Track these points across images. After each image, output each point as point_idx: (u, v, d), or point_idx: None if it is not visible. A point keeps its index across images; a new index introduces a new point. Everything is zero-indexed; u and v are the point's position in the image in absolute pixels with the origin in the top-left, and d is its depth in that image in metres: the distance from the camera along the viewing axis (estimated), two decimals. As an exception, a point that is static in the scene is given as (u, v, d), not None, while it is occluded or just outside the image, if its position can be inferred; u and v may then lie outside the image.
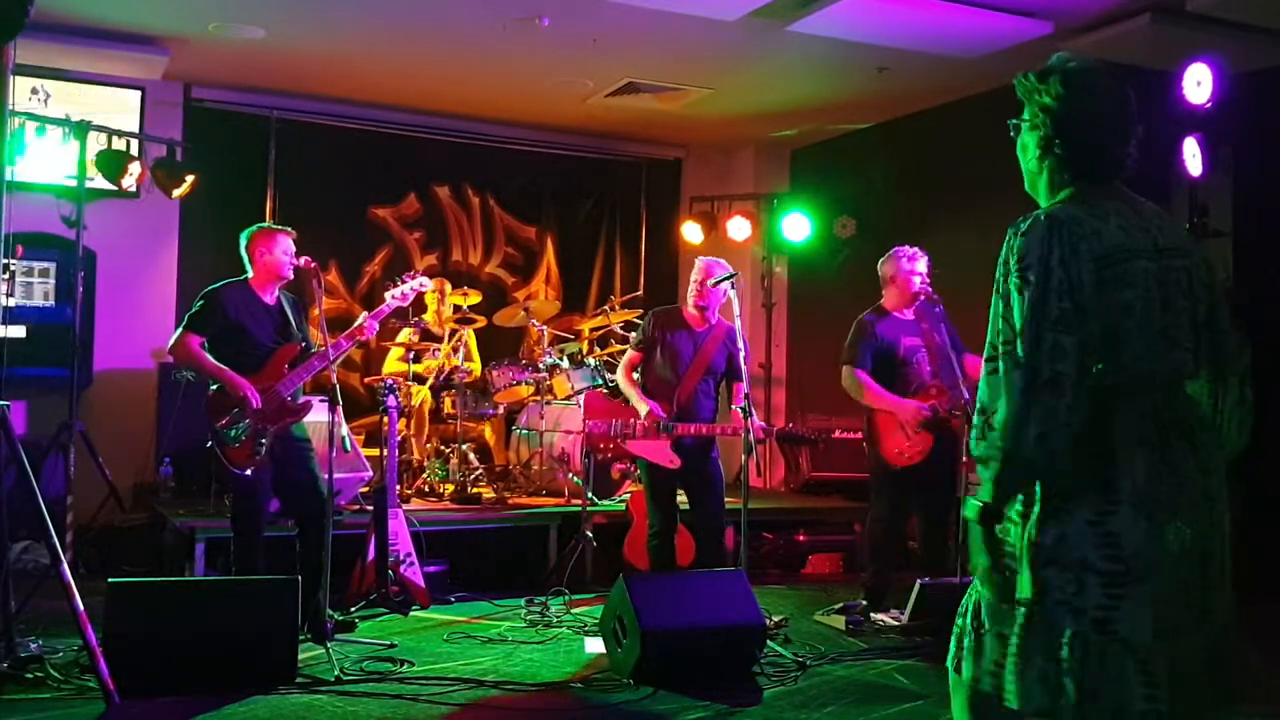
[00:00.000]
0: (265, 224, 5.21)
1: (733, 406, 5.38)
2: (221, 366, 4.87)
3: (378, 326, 5.21)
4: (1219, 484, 2.18)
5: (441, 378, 7.25)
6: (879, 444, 5.43)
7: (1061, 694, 2.03)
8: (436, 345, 7.18)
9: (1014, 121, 2.30)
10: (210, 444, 4.91)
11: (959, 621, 2.26)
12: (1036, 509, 2.11)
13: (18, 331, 6.64)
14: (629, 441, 5.42)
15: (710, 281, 5.40)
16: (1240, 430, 2.30)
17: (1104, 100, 2.22)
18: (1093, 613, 2.04)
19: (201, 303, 4.97)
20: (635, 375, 5.53)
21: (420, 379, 7.19)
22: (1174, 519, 2.07)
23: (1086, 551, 2.06)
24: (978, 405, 2.13)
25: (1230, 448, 2.29)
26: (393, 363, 7.33)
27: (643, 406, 5.35)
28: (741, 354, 5.26)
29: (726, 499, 5.55)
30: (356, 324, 5.16)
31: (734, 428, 5.33)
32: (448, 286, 7.74)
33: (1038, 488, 2.11)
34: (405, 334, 7.19)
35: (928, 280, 5.39)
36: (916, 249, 5.49)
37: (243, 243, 5.08)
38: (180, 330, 4.96)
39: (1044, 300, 2.05)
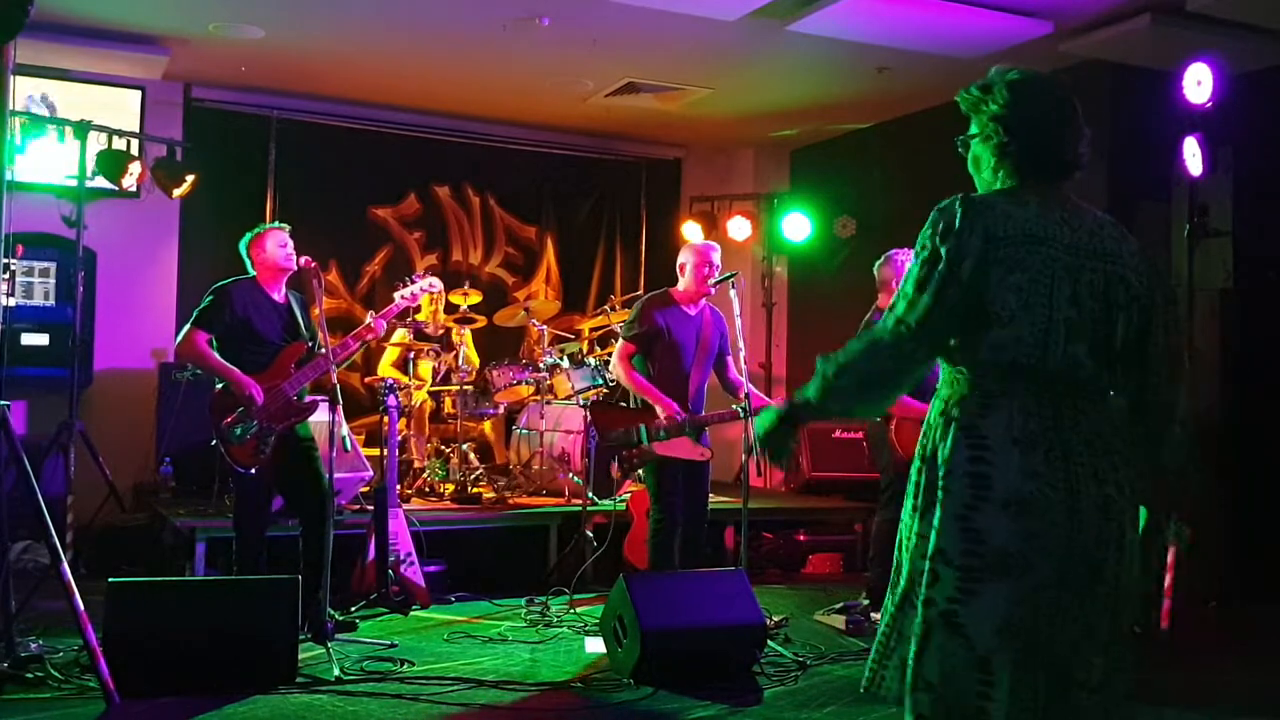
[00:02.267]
0: (257, 228, 5.19)
1: (736, 403, 5.32)
2: (227, 365, 4.87)
3: (385, 326, 5.20)
4: (1124, 499, 2.11)
5: (438, 378, 7.25)
6: (896, 445, 5.39)
7: (907, 681, 2.09)
8: (432, 346, 7.16)
9: (962, 138, 2.31)
10: (214, 442, 4.92)
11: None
12: (921, 499, 2.15)
13: (41, 339, 6.72)
14: (656, 445, 5.22)
15: (712, 282, 5.37)
16: (1178, 472, 2.24)
17: (1049, 103, 2.24)
18: (942, 605, 2.06)
19: (210, 298, 4.97)
20: (634, 368, 5.34)
21: (419, 382, 7.18)
22: (1055, 523, 2.05)
23: (948, 543, 2.07)
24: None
25: (1160, 473, 2.22)
26: (386, 366, 7.32)
27: (661, 409, 5.17)
28: (731, 327, 5.26)
29: (726, 499, 5.54)
30: (365, 323, 5.16)
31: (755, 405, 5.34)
32: (443, 286, 7.72)
33: (922, 478, 2.15)
34: (400, 335, 7.18)
35: None
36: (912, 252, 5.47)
37: (242, 250, 5.08)
38: (188, 327, 4.95)
39: (928, 266, 2.12)
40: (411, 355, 7.14)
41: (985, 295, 2.08)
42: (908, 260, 5.38)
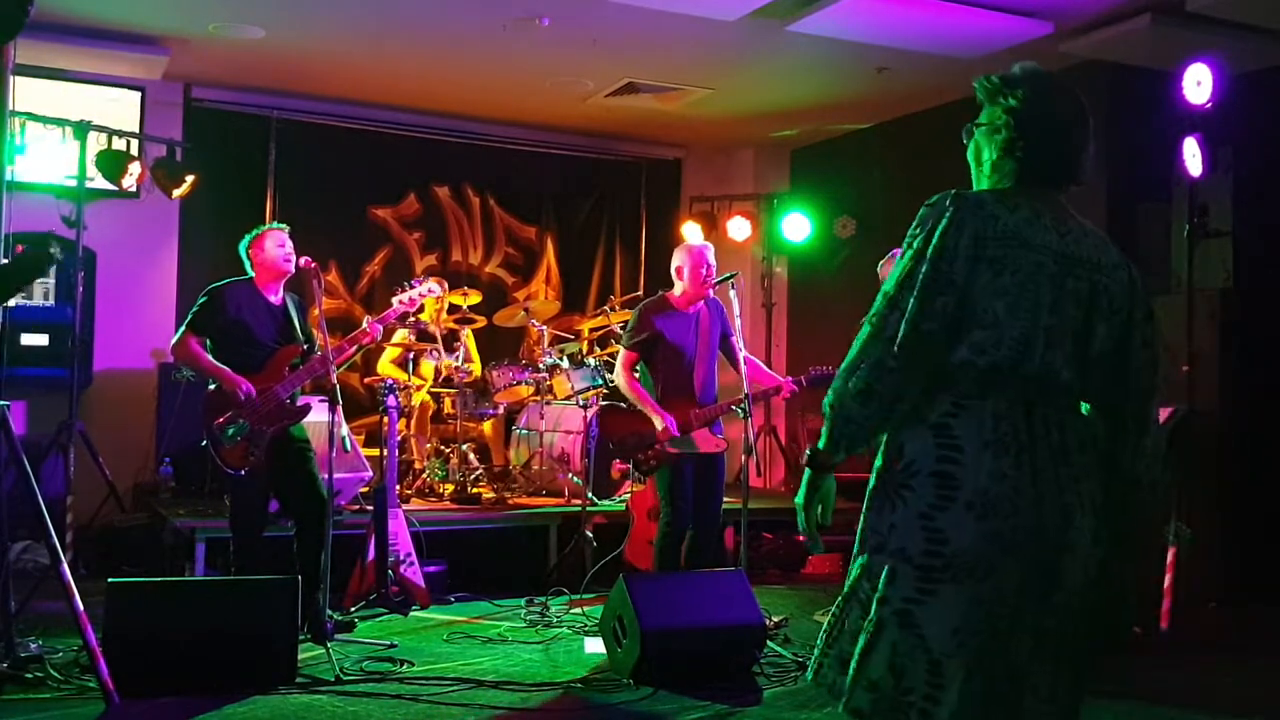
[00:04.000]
0: (258, 228, 5.18)
1: (737, 403, 5.30)
2: (218, 365, 4.86)
3: (381, 331, 5.19)
4: (1083, 510, 2.08)
5: (439, 379, 7.24)
6: None
7: (848, 677, 2.07)
8: (434, 347, 7.16)
9: (970, 126, 2.28)
10: (205, 443, 4.91)
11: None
12: (880, 495, 2.12)
13: (41, 339, 6.71)
14: (668, 445, 5.18)
15: (711, 283, 5.35)
16: (1150, 485, 2.19)
17: (1068, 109, 2.21)
18: (898, 604, 2.03)
19: (204, 300, 4.96)
20: (636, 375, 5.34)
21: (419, 382, 7.18)
22: (1019, 526, 2.02)
23: (908, 542, 2.04)
24: None
25: (1132, 486, 2.19)
26: (386, 365, 7.32)
27: (658, 421, 5.15)
28: (730, 318, 5.27)
29: (726, 499, 5.53)
30: (361, 328, 5.15)
31: (765, 385, 5.38)
32: (446, 287, 7.72)
33: (887, 474, 2.12)
34: (401, 335, 7.18)
35: None
36: None
37: (242, 251, 5.07)
38: (182, 330, 4.95)
39: (913, 264, 2.07)
40: (411, 355, 7.14)
41: (970, 295, 2.06)
42: None
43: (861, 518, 2.15)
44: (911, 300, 2.04)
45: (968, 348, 2.07)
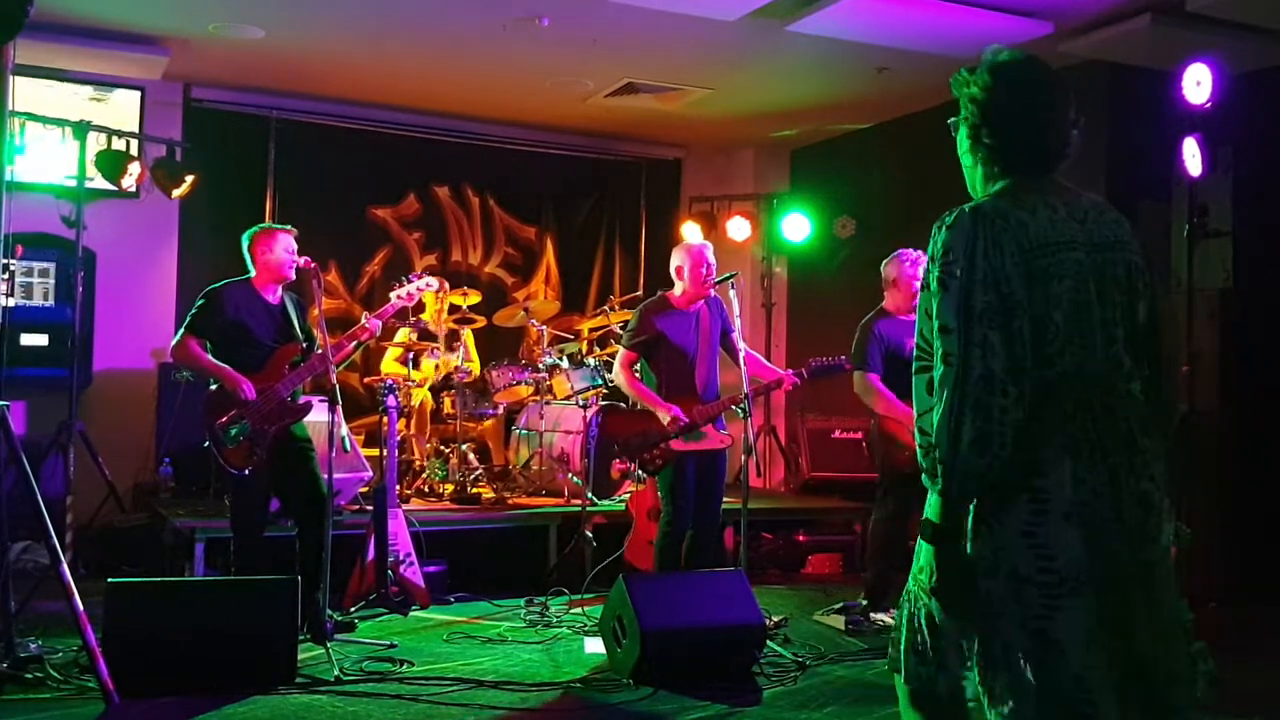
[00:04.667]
0: (266, 224, 5.20)
1: (736, 402, 5.30)
2: (219, 364, 4.86)
3: (380, 326, 5.19)
4: (1159, 492, 2.07)
5: (439, 379, 7.24)
6: (889, 448, 5.38)
7: (1012, 700, 2.01)
8: (435, 346, 7.16)
9: (952, 120, 2.27)
10: (207, 444, 4.91)
11: (902, 629, 2.19)
12: (970, 520, 2.04)
13: (40, 339, 6.72)
14: (672, 442, 5.19)
15: (711, 282, 5.35)
16: (1178, 456, 2.21)
17: (1031, 91, 2.16)
18: (1031, 623, 1.99)
19: (202, 302, 4.96)
20: (636, 374, 5.35)
21: (419, 383, 7.17)
22: (1115, 526, 2.01)
23: (1019, 562, 1.99)
24: (916, 415, 2.07)
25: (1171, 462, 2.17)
26: (390, 363, 7.33)
27: (663, 414, 5.15)
28: (731, 317, 5.30)
29: (726, 499, 5.53)
30: (360, 324, 5.16)
31: (766, 379, 5.40)
32: (446, 286, 7.73)
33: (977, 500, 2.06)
34: (403, 334, 7.18)
35: None
36: (920, 252, 5.46)
37: (244, 244, 5.07)
38: (181, 332, 4.95)
39: (969, 295, 1.99)
40: (412, 355, 7.14)
41: (1032, 311, 2.01)
42: (914, 261, 5.37)
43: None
44: (991, 333, 1.96)
45: (1036, 361, 2.02)
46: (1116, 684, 2.00)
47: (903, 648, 2.18)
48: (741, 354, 5.25)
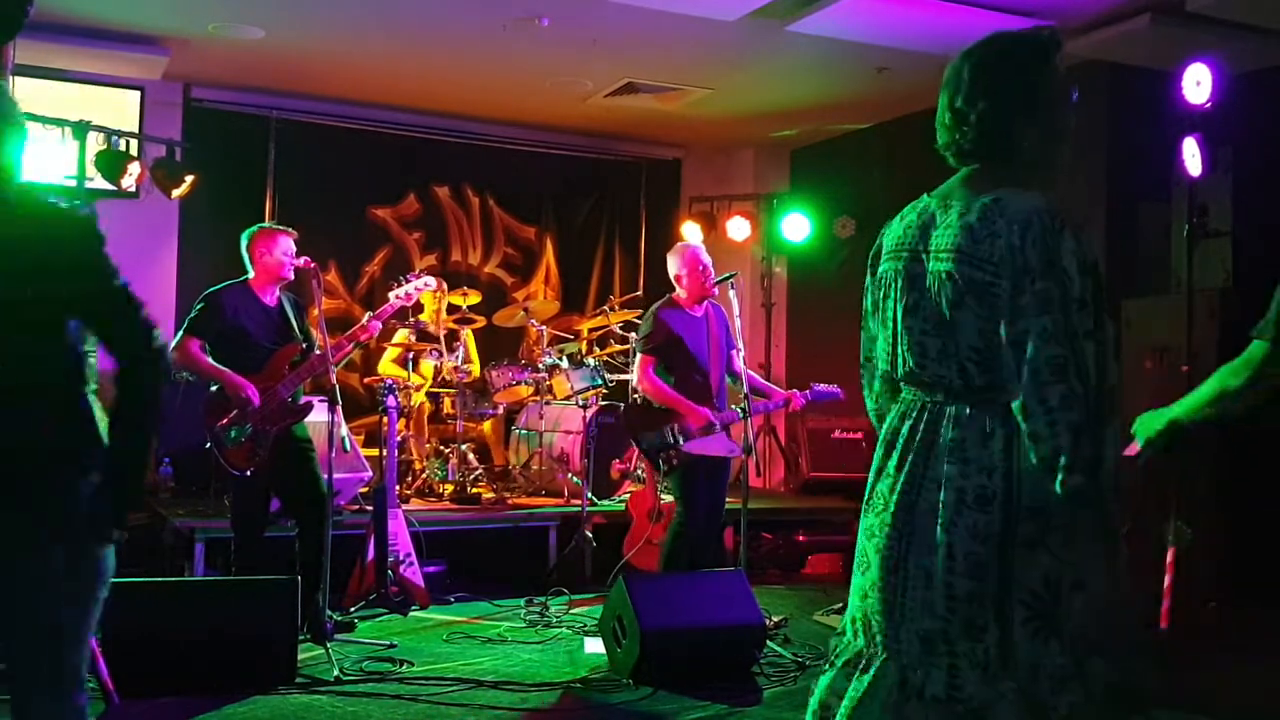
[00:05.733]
0: (266, 224, 5.21)
1: (737, 404, 5.32)
2: (221, 367, 4.86)
3: (380, 326, 5.20)
4: (958, 506, 1.98)
5: (439, 379, 7.24)
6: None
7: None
8: (434, 346, 7.16)
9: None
10: (208, 445, 4.91)
11: None
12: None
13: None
14: (688, 445, 5.16)
15: (713, 281, 5.35)
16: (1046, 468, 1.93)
17: (972, 73, 2.10)
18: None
19: (201, 305, 4.97)
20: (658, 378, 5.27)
21: (418, 384, 7.17)
22: (888, 523, 2.09)
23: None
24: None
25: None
26: (387, 364, 7.32)
27: (693, 420, 5.13)
28: (730, 319, 5.35)
29: (726, 499, 5.53)
30: (360, 324, 5.16)
31: (774, 397, 5.49)
32: (445, 286, 7.73)
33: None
34: (402, 335, 7.18)
35: None
36: None
37: (243, 243, 5.07)
38: (181, 334, 4.95)
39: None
40: (411, 355, 7.14)
41: (869, 314, 2.28)
42: None
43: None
44: (864, 334, 2.34)
45: (868, 360, 2.32)
46: (879, 668, 2.11)
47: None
48: (740, 355, 5.25)
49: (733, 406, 5.28)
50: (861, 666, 2.10)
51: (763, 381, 5.76)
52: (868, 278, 2.26)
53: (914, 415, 2.11)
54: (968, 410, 2.03)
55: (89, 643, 2.26)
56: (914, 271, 2.09)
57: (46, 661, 2.16)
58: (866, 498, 2.17)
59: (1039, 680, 1.94)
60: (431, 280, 5.63)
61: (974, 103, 2.08)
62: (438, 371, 7.21)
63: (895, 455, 2.11)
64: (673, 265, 5.35)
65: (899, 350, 2.12)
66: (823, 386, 5.48)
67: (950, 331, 2.02)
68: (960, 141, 2.12)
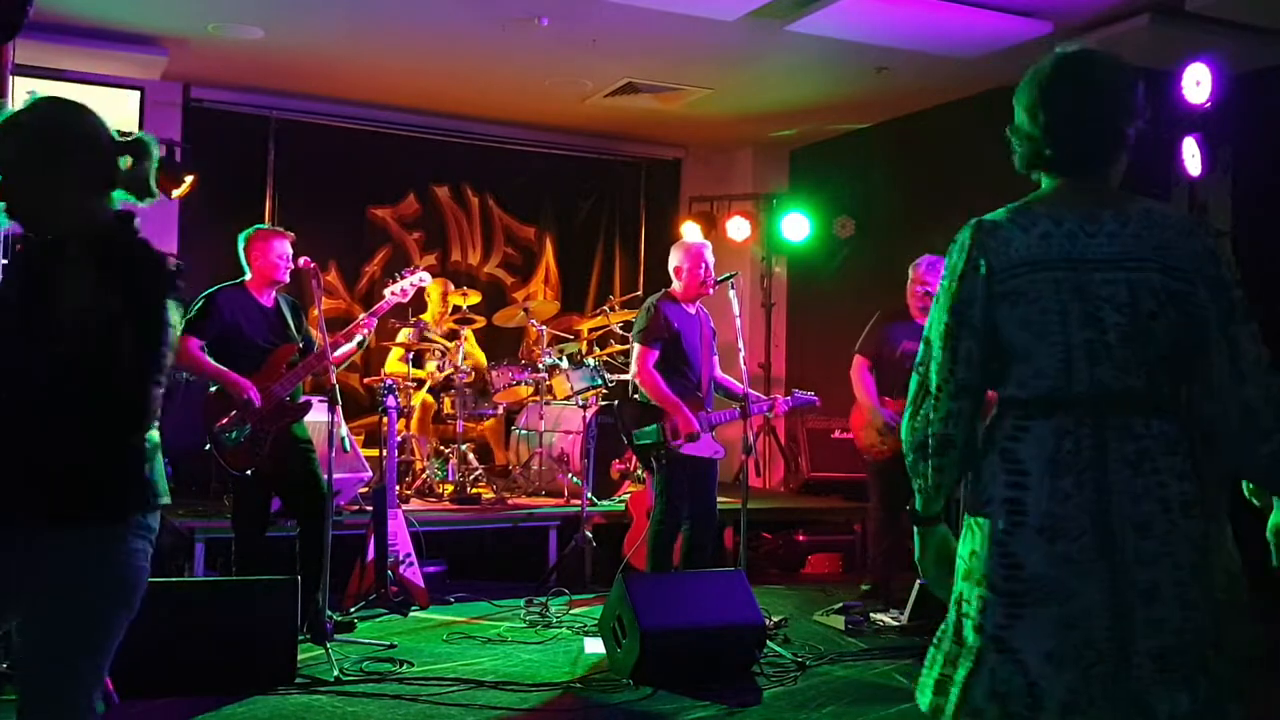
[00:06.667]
0: (263, 226, 5.21)
1: (729, 404, 5.36)
2: (221, 368, 4.87)
3: (375, 323, 5.20)
4: (1170, 516, 1.98)
5: (441, 379, 7.24)
6: (854, 433, 5.74)
7: (950, 705, 2.03)
8: (437, 345, 7.16)
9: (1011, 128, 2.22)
10: (208, 446, 4.91)
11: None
12: (964, 523, 2.12)
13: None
14: (673, 442, 5.13)
15: (712, 281, 5.35)
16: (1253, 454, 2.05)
17: (1062, 85, 2.08)
18: (991, 630, 2.00)
19: (199, 305, 4.97)
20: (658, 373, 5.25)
21: (420, 382, 7.17)
22: (1088, 546, 1.97)
23: (990, 569, 2.01)
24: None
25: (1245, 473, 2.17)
26: (394, 363, 7.32)
27: (683, 424, 5.10)
28: (730, 319, 5.41)
29: (726, 499, 5.54)
30: (355, 322, 5.16)
31: (765, 403, 5.55)
32: (449, 286, 7.73)
33: (965, 501, 2.12)
34: (404, 334, 7.18)
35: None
36: (933, 258, 5.42)
37: (240, 244, 5.08)
38: (179, 335, 4.94)
39: (940, 313, 2.09)
40: (411, 355, 7.14)
41: (1000, 332, 2.04)
42: (928, 264, 5.46)
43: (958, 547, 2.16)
44: (943, 352, 2.08)
45: (1014, 383, 2.05)
46: (1091, 704, 1.96)
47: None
48: (740, 355, 5.25)
49: (732, 407, 5.28)
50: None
51: (739, 385, 5.72)
52: (956, 292, 2.06)
53: (1081, 432, 2.00)
54: (1148, 421, 2.01)
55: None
56: (1077, 283, 2.01)
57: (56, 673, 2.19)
58: (1039, 525, 1.98)
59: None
60: (427, 275, 5.63)
61: (1110, 117, 2.12)
62: (440, 372, 7.21)
63: (1071, 475, 1.99)
64: (675, 257, 5.34)
65: (1075, 364, 2.01)
66: (801, 394, 5.60)
67: (1141, 341, 2.01)
68: (1087, 152, 2.12)
